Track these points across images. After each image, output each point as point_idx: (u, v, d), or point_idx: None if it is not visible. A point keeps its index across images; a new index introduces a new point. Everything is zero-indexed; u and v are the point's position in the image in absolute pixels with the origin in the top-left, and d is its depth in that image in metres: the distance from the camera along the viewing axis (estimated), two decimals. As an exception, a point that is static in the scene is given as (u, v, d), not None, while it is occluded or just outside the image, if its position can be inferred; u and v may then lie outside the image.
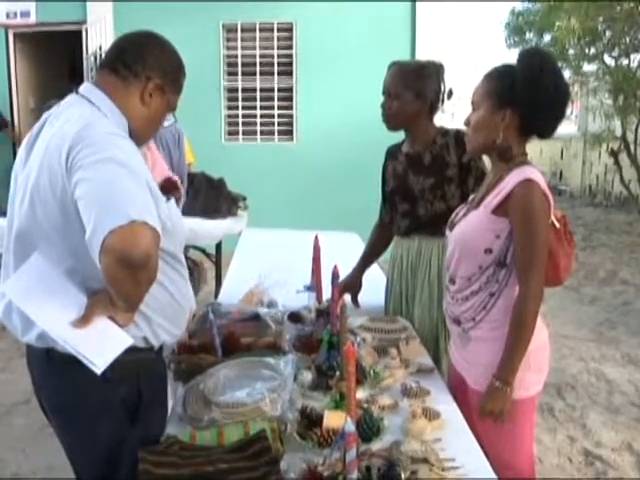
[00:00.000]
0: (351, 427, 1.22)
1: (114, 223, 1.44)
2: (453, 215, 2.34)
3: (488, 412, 2.11)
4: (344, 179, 7.86)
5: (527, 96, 2.03)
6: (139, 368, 1.80)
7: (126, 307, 1.65)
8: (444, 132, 2.75)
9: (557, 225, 2.16)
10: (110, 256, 1.45)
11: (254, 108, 8.28)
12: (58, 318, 1.63)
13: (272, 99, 8.24)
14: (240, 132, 8.32)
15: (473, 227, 2.16)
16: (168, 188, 2.64)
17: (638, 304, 6.41)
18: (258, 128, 8.31)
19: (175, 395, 2.04)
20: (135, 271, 1.48)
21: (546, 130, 2.16)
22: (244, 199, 5.32)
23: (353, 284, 3.01)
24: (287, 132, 8.31)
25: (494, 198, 2.10)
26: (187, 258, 3.07)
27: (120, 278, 1.50)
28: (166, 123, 1.93)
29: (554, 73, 2.08)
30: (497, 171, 2.18)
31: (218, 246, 5.19)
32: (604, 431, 3.94)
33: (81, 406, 1.77)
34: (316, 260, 2.50)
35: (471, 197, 2.36)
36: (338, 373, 1.97)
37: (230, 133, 8.32)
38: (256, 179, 7.51)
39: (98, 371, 1.62)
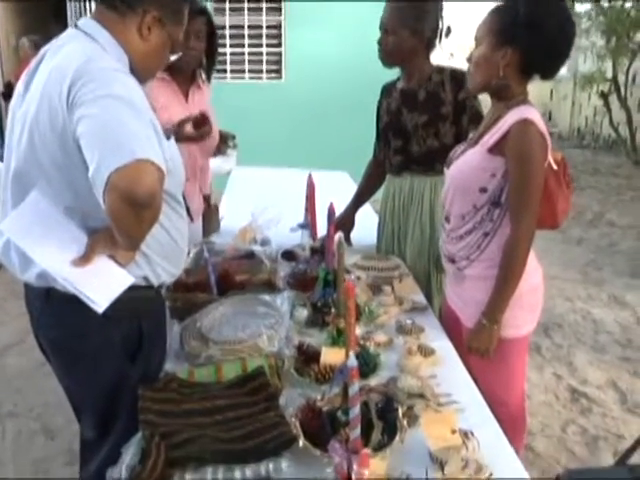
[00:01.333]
0: (353, 362, 1.23)
1: (119, 161, 1.41)
2: (451, 153, 2.32)
3: (474, 349, 2.13)
4: (333, 118, 7.79)
5: (528, 36, 1.97)
6: (140, 307, 1.79)
7: (128, 246, 1.64)
8: (440, 69, 2.71)
9: (555, 167, 2.14)
10: (115, 194, 1.43)
11: (242, 46, 8.11)
12: (58, 257, 1.61)
13: (260, 37, 8.08)
14: (228, 71, 8.17)
15: (469, 165, 2.14)
16: (202, 122, 2.64)
17: (624, 245, 6.47)
18: (246, 67, 8.17)
19: (171, 333, 2.04)
20: (139, 209, 1.46)
21: (548, 71, 2.10)
22: (233, 138, 5.23)
23: (346, 222, 3.00)
24: (276, 70, 8.18)
25: (491, 137, 2.07)
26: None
27: (124, 216, 1.48)
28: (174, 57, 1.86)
29: (560, 13, 2.01)
30: (496, 110, 2.15)
31: (207, 185, 5.12)
32: (590, 369, 4.02)
33: (82, 345, 1.76)
34: (310, 198, 2.48)
35: (470, 135, 2.34)
36: (334, 310, 1.97)
37: (217, 72, 8.15)
38: (245, 118, 7.41)
39: (99, 310, 1.61)
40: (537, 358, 4.11)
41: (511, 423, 2.01)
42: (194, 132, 2.67)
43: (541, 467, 3.04)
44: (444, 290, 2.62)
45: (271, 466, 1.42)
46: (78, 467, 2.04)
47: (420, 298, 2.48)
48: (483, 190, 2.09)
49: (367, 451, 0.95)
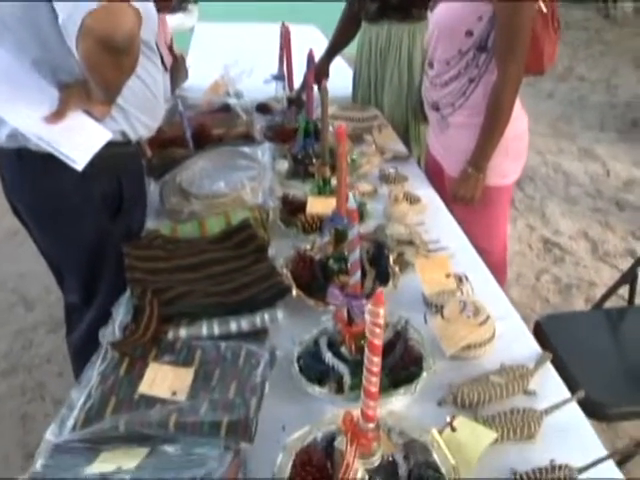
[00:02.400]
0: (353, 203, 1.17)
1: (93, 2, 1.29)
2: None
3: (460, 198, 2.10)
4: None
5: None
6: (118, 163, 1.71)
7: (104, 97, 1.54)
8: None
9: (544, 10, 2.03)
10: (90, 39, 1.32)
11: None
12: (29, 114, 1.50)
13: None
14: None
15: (455, 7, 2.01)
16: None
17: (593, 99, 6.40)
18: None
19: (149, 191, 1.96)
20: (117, 55, 1.36)
21: None
22: (194, -9, 4.93)
23: (319, 73, 2.86)
24: None
25: (479, -22, 1.94)
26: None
27: (101, 63, 1.38)
28: None
29: None
30: None
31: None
32: (561, 220, 4.07)
33: (61, 204, 1.69)
34: (285, 47, 2.34)
35: None
36: (319, 159, 1.90)
37: None
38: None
39: (79, 168, 1.53)
40: (510, 210, 4.13)
41: (494, 271, 2.02)
42: None
43: (516, 315, 3.11)
44: (425, 140, 2.57)
45: (266, 316, 1.40)
46: (62, 334, 2.03)
47: (401, 147, 2.43)
48: (469, 33, 1.98)
49: (381, 289, 0.91)
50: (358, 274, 1.21)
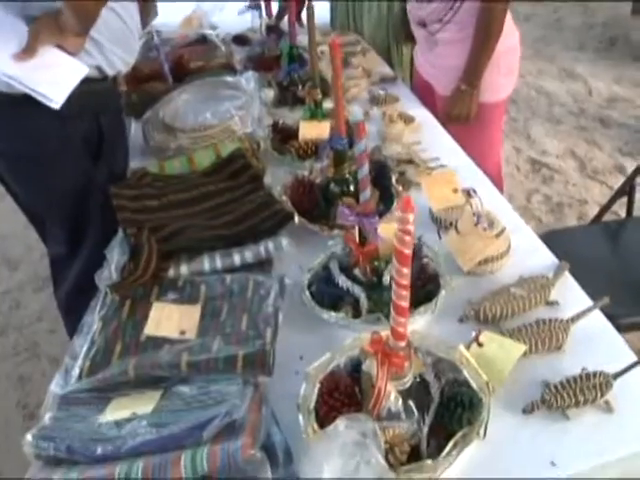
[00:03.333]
0: (359, 115, 1.09)
1: None
2: None
3: (455, 116, 2.03)
4: None
5: None
6: (96, 101, 1.62)
7: (78, 28, 1.43)
8: None
9: None
10: None
11: None
12: None
13: None
14: None
15: None
16: None
17: (572, 21, 6.27)
18: None
19: (129, 131, 1.86)
20: None
21: None
22: None
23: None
24: None
25: None
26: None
27: None
28: None
29: None
30: None
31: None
32: (547, 140, 4.00)
33: (40, 150, 1.60)
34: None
35: None
36: (309, 82, 1.80)
37: None
38: None
39: (56, 106, 1.43)
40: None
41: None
42: None
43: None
44: (409, 63, 2.48)
45: (270, 245, 1.32)
46: (49, 291, 1.95)
47: (387, 69, 2.35)
48: None
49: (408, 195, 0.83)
50: (368, 190, 1.14)
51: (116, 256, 1.32)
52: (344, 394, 0.96)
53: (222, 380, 1.03)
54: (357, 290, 1.18)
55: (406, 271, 0.82)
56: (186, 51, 2.19)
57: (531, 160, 3.78)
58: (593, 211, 3.19)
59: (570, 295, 1.27)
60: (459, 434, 0.93)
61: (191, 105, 1.80)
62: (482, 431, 0.94)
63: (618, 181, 3.33)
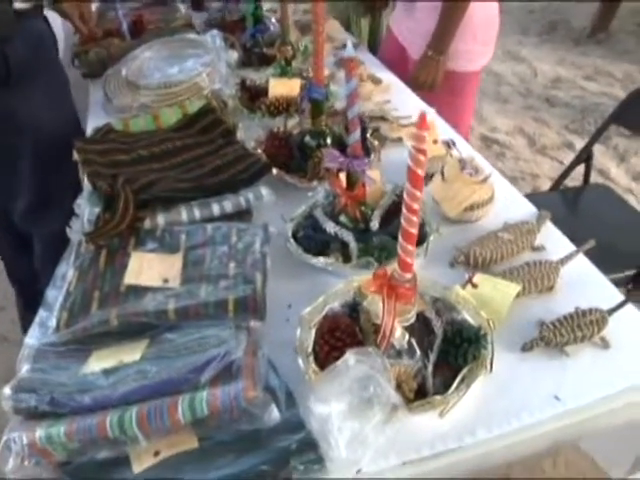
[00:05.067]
0: (351, 51, 1.04)
1: None
2: None
3: (421, 82, 2.01)
4: None
5: None
6: None
7: None
8: None
9: None
10: None
11: None
12: None
13: None
14: None
15: None
16: None
17: (513, 5, 6.37)
18: None
19: (89, 90, 1.77)
20: None
21: None
22: None
23: None
24: None
25: None
26: None
27: None
28: None
29: None
30: None
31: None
32: (497, 118, 4.05)
33: None
34: None
35: None
36: (280, 39, 1.75)
37: None
38: None
39: None
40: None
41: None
42: None
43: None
44: (374, 34, 2.46)
45: (250, 195, 1.27)
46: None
47: (350, 37, 2.29)
48: None
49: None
50: (358, 132, 1.10)
51: (87, 209, 1.24)
52: (345, 333, 0.93)
53: (213, 326, 0.98)
54: (346, 235, 1.14)
55: (419, 194, 0.79)
56: (146, 12, 2.10)
57: (482, 137, 3.82)
58: (546, 185, 3.25)
59: (554, 241, 1.26)
60: (466, 369, 0.91)
61: (155, 63, 1.73)
62: (489, 364, 0.92)
63: (568, 156, 3.40)
